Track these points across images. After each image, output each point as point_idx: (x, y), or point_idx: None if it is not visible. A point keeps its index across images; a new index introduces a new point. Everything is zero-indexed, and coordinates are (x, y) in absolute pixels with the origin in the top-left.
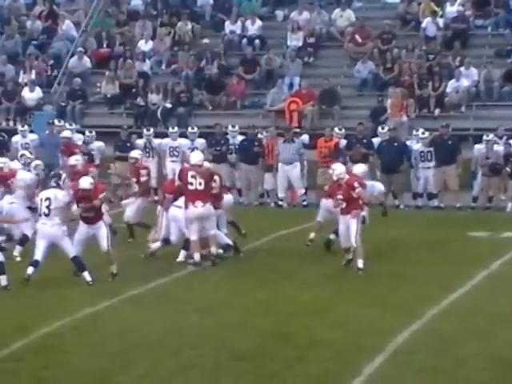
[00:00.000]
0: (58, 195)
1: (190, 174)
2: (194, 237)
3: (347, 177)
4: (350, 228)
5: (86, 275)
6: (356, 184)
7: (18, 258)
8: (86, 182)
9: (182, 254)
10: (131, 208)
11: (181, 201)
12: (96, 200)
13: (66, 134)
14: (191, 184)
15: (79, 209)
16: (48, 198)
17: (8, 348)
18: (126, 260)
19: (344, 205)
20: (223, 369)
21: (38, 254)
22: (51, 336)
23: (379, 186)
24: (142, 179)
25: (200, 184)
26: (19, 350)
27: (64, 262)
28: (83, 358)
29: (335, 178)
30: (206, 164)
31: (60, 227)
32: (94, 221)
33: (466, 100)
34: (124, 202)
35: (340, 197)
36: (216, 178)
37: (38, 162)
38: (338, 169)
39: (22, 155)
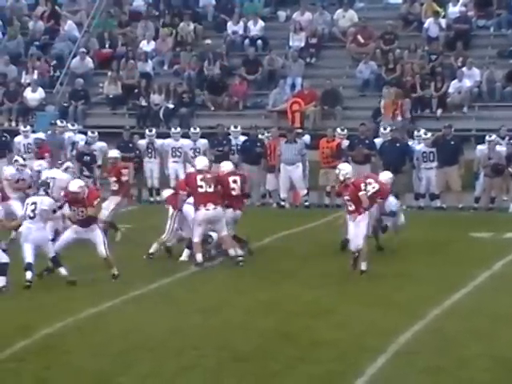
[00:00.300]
0: (44, 201)
1: (199, 177)
2: (197, 239)
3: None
4: (358, 229)
5: (62, 270)
6: (362, 186)
7: None
8: (74, 186)
9: (186, 254)
10: (107, 206)
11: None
12: (91, 208)
13: (39, 135)
14: (201, 187)
15: (72, 213)
16: (34, 203)
17: (10, 348)
18: (128, 260)
19: (353, 206)
20: (225, 369)
21: (29, 257)
22: (53, 336)
23: (402, 218)
24: (123, 179)
25: (210, 186)
26: (21, 351)
27: (66, 263)
28: (85, 359)
29: (342, 178)
30: (228, 166)
31: (45, 231)
32: (87, 224)
33: (469, 100)
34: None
35: (347, 197)
36: (236, 178)
37: (70, 164)
38: (344, 169)
39: (16, 161)
